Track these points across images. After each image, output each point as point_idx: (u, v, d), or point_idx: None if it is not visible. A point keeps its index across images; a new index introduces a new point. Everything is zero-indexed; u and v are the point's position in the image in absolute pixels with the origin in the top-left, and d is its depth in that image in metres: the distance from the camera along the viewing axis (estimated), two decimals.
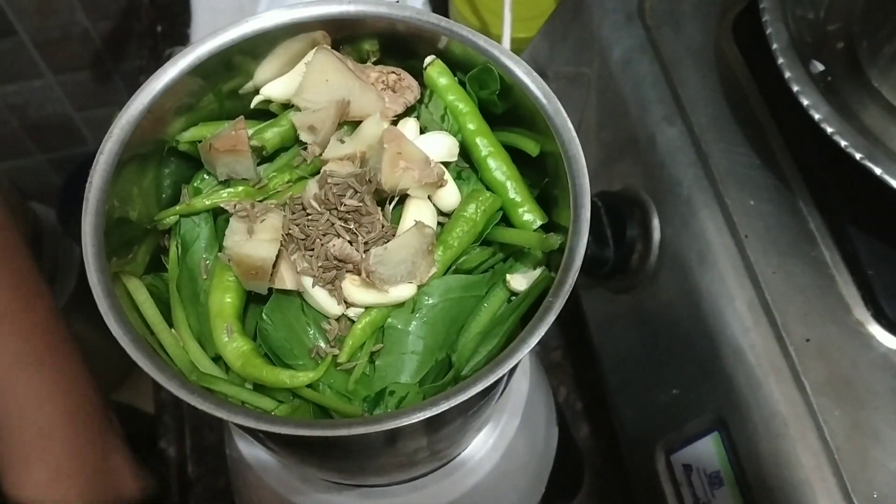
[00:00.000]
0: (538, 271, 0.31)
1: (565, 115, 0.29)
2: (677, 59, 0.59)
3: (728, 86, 0.57)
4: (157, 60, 0.83)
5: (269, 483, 0.38)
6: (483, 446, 0.40)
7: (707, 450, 0.50)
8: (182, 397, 0.24)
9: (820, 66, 0.51)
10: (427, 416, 0.23)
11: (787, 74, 0.48)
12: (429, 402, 0.24)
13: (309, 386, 0.28)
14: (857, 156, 0.45)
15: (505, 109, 0.33)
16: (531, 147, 0.31)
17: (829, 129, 0.46)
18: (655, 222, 0.55)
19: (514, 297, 0.31)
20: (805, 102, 0.47)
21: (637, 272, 0.56)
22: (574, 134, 0.29)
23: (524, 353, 0.25)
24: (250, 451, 0.39)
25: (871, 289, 0.49)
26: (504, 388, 0.37)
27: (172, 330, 0.30)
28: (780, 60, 0.49)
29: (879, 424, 0.46)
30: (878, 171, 0.45)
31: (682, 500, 0.52)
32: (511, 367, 0.24)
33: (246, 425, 0.23)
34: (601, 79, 0.62)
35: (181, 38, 0.85)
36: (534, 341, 0.25)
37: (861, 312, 0.49)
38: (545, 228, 0.32)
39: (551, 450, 0.47)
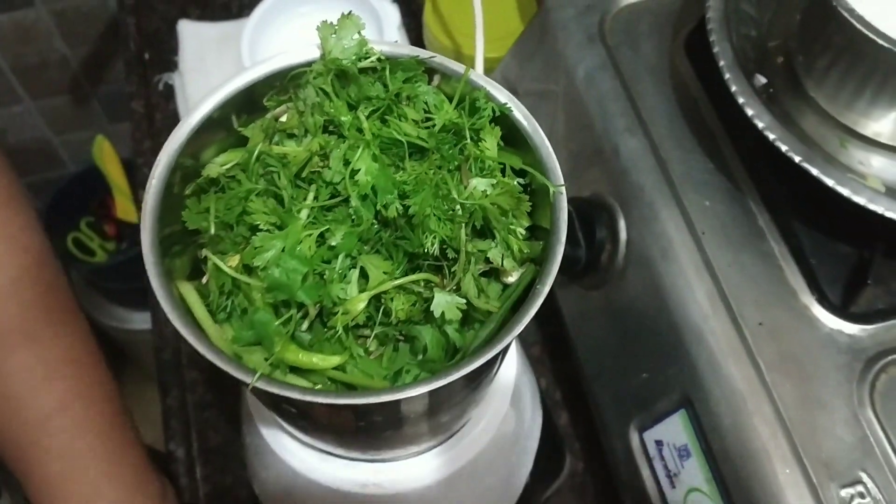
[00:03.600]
0: (525, 266, 0.36)
1: (542, 132, 0.34)
2: (636, 76, 0.64)
3: (682, 98, 0.63)
4: (148, 87, 0.87)
5: (289, 462, 0.43)
6: (478, 424, 0.45)
7: (675, 426, 0.56)
8: (255, 384, 0.29)
9: (763, 79, 0.57)
10: (443, 384, 0.28)
11: (733, 88, 0.54)
12: (443, 373, 0.29)
13: (336, 368, 0.33)
14: (797, 159, 0.51)
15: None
16: (515, 161, 0.37)
17: (772, 136, 0.52)
18: (622, 224, 0.60)
19: (506, 289, 0.36)
20: (750, 113, 0.53)
21: (607, 270, 0.61)
22: (550, 149, 0.34)
23: (519, 329, 0.30)
24: (270, 433, 0.44)
25: (814, 276, 0.54)
26: (497, 369, 0.42)
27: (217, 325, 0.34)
28: (727, 75, 0.55)
29: (826, 395, 0.51)
30: (814, 171, 0.51)
31: (655, 473, 0.57)
32: (508, 342, 0.29)
33: (302, 399, 0.28)
34: (567, 95, 0.67)
35: (169, 65, 0.89)
36: (526, 320, 0.30)
37: (807, 298, 0.54)
38: (529, 229, 0.37)
39: (537, 429, 0.52)
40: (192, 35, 0.87)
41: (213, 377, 0.71)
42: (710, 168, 0.59)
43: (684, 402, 0.55)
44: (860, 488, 0.48)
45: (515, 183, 0.35)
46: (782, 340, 0.53)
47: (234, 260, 0.34)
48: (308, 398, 0.29)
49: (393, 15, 0.86)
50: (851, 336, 0.53)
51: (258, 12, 0.83)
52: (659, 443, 0.57)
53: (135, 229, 1.50)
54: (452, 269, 0.33)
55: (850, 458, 0.49)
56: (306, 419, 0.37)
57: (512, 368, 0.48)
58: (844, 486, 0.48)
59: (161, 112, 0.87)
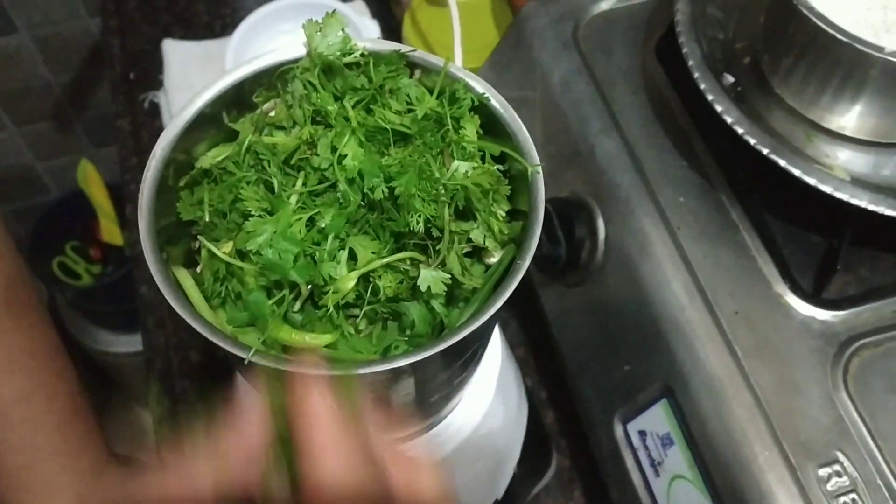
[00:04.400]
0: (506, 248, 0.37)
1: (519, 120, 0.36)
2: (610, 80, 0.66)
3: (655, 100, 0.65)
4: (133, 105, 0.88)
5: None
6: (465, 411, 0.46)
7: (658, 415, 0.57)
8: (251, 359, 0.30)
9: (731, 79, 0.59)
10: (431, 353, 0.30)
11: (703, 86, 0.56)
12: (429, 344, 0.30)
13: (328, 346, 0.34)
14: (765, 151, 0.53)
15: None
16: (495, 148, 0.38)
17: (740, 130, 0.54)
18: (600, 222, 0.62)
19: (488, 269, 0.37)
20: (719, 109, 0.55)
21: (587, 266, 0.63)
22: (527, 134, 0.36)
23: (502, 300, 0.31)
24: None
25: (786, 266, 0.56)
26: (482, 351, 0.43)
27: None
28: (696, 74, 0.57)
29: (801, 380, 0.53)
30: (782, 162, 0.53)
31: (640, 463, 0.58)
32: (492, 313, 0.31)
33: (297, 371, 0.30)
34: (544, 100, 0.69)
35: (154, 83, 0.91)
36: (508, 292, 0.31)
37: (780, 286, 0.56)
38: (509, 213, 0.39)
39: (523, 418, 0.53)
40: (177, 54, 0.89)
41: (203, 386, 0.72)
42: (684, 165, 0.61)
43: (666, 392, 0.56)
44: (837, 467, 0.50)
45: (495, 168, 0.37)
46: (758, 328, 0.54)
47: (228, 246, 0.35)
48: (302, 370, 0.30)
49: (373, 30, 0.88)
50: (824, 322, 0.54)
51: (241, 30, 0.85)
52: (642, 433, 0.58)
53: (120, 252, 1.51)
54: (437, 248, 0.35)
55: (826, 439, 0.51)
56: None
57: (497, 357, 0.49)
58: (822, 466, 0.50)
59: (147, 130, 0.89)
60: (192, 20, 0.97)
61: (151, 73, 0.92)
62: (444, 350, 0.30)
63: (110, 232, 1.50)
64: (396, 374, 0.31)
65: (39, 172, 1.64)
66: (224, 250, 0.35)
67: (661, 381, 0.57)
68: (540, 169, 0.36)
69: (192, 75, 0.87)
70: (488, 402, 0.47)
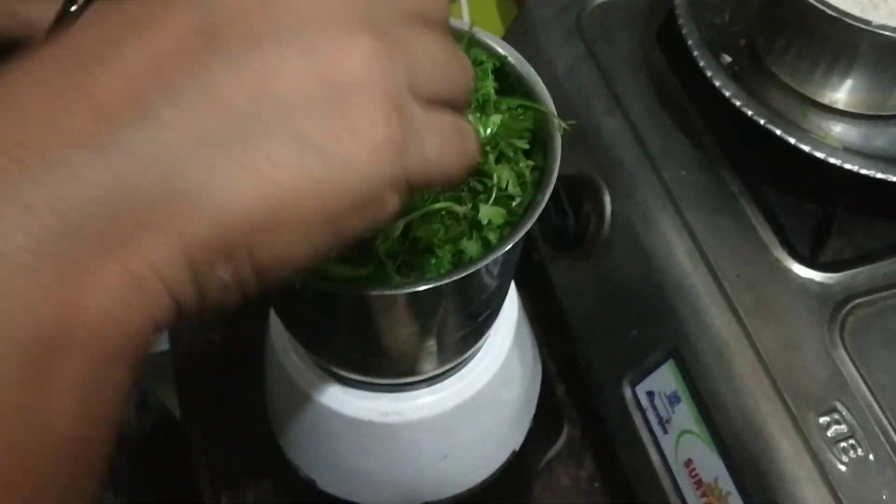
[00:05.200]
0: (525, 193, 0.41)
1: (535, 74, 0.40)
2: (612, 65, 0.70)
3: (656, 82, 0.68)
4: None
5: (315, 397, 0.46)
6: (485, 357, 0.49)
7: (665, 376, 0.60)
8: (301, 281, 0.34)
9: (728, 58, 0.63)
10: (463, 275, 0.33)
11: (702, 63, 0.60)
12: (462, 267, 0.34)
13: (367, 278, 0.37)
14: (762, 121, 0.56)
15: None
16: (514, 102, 0.42)
17: (738, 103, 0.57)
18: (606, 197, 0.65)
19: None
20: (717, 84, 0.58)
21: (594, 241, 0.66)
22: (545, 89, 0.39)
23: (525, 229, 0.34)
24: (296, 371, 0.48)
25: (784, 232, 0.59)
26: (502, 298, 0.47)
27: None
28: (695, 53, 0.60)
29: (801, 337, 0.55)
30: (778, 132, 0.56)
31: (648, 422, 0.61)
32: (518, 239, 0.34)
33: (348, 293, 0.33)
34: (550, 86, 0.71)
35: None
36: (530, 222, 0.35)
37: (779, 252, 0.59)
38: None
39: (538, 372, 0.56)
40: None
41: (227, 366, 0.75)
42: (685, 142, 0.64)
43: (672, 353, 0.59)
44: (836, 416, 0.53)
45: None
46: (758, 290, 0.57)
47: None
48: (356, 292, 0.33)
49: None
50: (821, 284, 0.57)
51: None
52: (650, 394, 0.61)
53: None
54: (490, 186, 0.38)
55: (825, 391, 0.53)
56: (334, 333, 0.41)
57: (513, 311, 0.52)
58: (822, 415, 0.53)
59: None
60: None
61: None
62: (475, 275, 0.33)
63: None
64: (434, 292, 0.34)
65: None
66: None
67: (667, 343, 0.59)
68: (556, 115, 0.39)
69: None
70: (506, 351, 0.50)
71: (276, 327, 0.50)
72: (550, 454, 0.68)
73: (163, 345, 1.60)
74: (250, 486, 0.70)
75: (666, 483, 0.60)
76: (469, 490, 0.53)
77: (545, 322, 0.63)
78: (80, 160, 0.21)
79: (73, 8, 0.51)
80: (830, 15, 0.54)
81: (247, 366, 0.74)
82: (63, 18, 0.54)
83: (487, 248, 0.37)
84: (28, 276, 0.20)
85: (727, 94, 0.58)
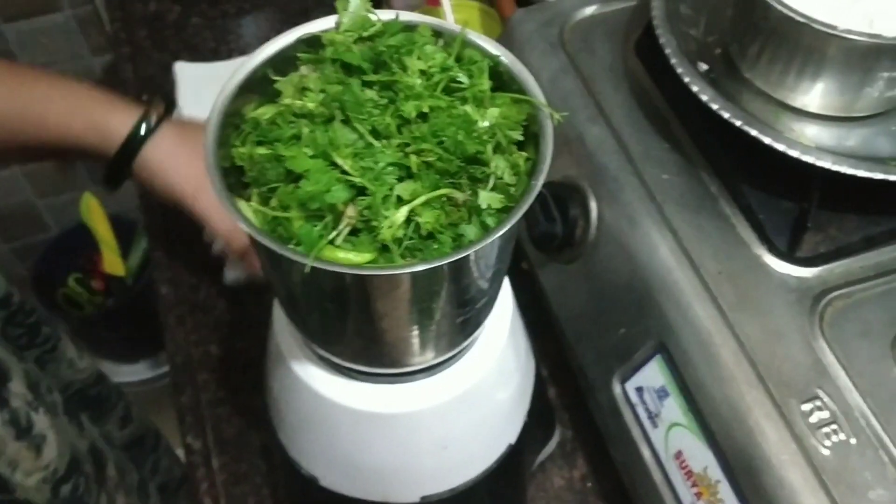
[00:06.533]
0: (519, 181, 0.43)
1: (527, 71, 0.42)
2: (594, 75, 0.73)
3: (636, 91, 0.71)
4: None
5: (317, 389, 0.48)
6: (482, 350, 0.51)
7: (653, 371, 0.62)
8: (303, 261, 0.36)
9: (704, 66, 0.66)
10: (465, 255, 0.35)
11: (680, 70, 0.62)
12: (464, 248, 0.36)
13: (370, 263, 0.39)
14: (738, 123, 0.59)
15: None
16: (507, 99, 0.44)
17: (715, 107, 0.60)
18: (592, 202, 0.67)
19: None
20: (695, 89, 0.61)
21: (581, 243, 0.68)
22: (537, 86, 0.42)
23: (521, 213, 0.37)
24: (299, 364, 0.49)
25: (763, 229, 0.61)
26: (497, 288, 0.49)
27: None
28: (673, 61, 0.63)
29: (782, 329, 0.57)
30: (753, 132, 0.59)
31: (638, 417, 0.63)
32: (516, 220, 0.37)
33: (357, 274, 0.35)
34: None
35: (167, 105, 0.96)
36: (525, 206, 0.37)
37: (758, 248, 0.61)
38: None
39: (531, 366, 0.58)
40: (189, 75, 0.95)
41: (225, 375, 0.76)
42: (665, 147, 0.67)
43: (659, 349, 0.61)
44: (818, 403, 0.55)
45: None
46: (740, 285, 0.59)
47: (273, 201, 0.40)
48: (363, 272, 0.36)
49: None
50: (799, 278, 0.60)
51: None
52: (639, 389, 0.63)
53: (121, 283, 1.55)
54: (487, 174, 0.41)
55: (807, 378, 0.56)
56: (338, 320, 0.43)
57: (508, 306, 0.54)
58: (804, 402, 0.55)
59: None
60: (199, 46, 1.03)
61: (162, 94, 0.97)
62: (474, 256, 0.35)
63: (112, 264, 1.54)
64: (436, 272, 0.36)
65: (40, 210, 1.68)
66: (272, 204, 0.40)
67: (654, 339, 0.61)
68: (548, 108, 0.42)
69: (205, 94, 0.92)
70: (501, 345, 0.52)
71: (280, 319, 0.52)
72: (543, 455, 0.70)
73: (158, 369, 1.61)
74: (252, 491, 0.71)
75: (657, 476, 0.62)
76: (467, 483, 0.55)
77: (537, 330, 0.65)
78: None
79: (143, 132, 0.71)
80: (798, 21, 0.57)
81: (246, 374, 0.76)
82: (135, 139, 0.70)
83: (486, 231, 0.39)
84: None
85: (704, 98, 0.60)
